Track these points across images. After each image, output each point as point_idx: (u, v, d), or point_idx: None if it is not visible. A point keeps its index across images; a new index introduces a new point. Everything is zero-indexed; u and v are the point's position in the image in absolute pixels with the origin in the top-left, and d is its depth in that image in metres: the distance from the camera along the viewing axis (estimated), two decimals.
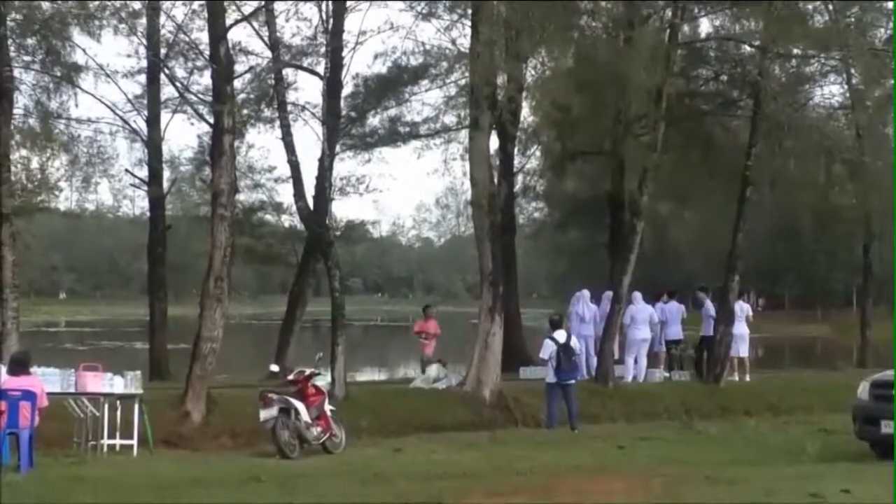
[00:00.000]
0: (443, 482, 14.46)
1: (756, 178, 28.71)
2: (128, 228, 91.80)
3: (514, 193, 37.36)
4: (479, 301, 26.43)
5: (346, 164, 35.08)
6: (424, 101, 34.79)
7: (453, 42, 30.80)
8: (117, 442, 18.83)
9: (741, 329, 28.79)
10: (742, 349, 29.11)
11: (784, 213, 46.82)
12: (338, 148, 29.52)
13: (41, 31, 25.41)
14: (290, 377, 19.98)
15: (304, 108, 29.89)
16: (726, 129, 33.77)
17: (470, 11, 26.21)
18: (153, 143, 31.26)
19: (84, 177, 30.97)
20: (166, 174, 33.70)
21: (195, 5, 26.85)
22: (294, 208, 30.11)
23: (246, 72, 26.84)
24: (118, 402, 18.89)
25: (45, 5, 25.17)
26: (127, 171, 33.49)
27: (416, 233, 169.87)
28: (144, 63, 30.64)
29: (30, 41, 26.34)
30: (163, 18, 28.22)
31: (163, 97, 31.24)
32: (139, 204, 51.35)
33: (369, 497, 13.03)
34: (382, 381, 35.83)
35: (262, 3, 26.03)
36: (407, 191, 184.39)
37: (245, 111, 28.33)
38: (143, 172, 32.54)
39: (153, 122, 31.25)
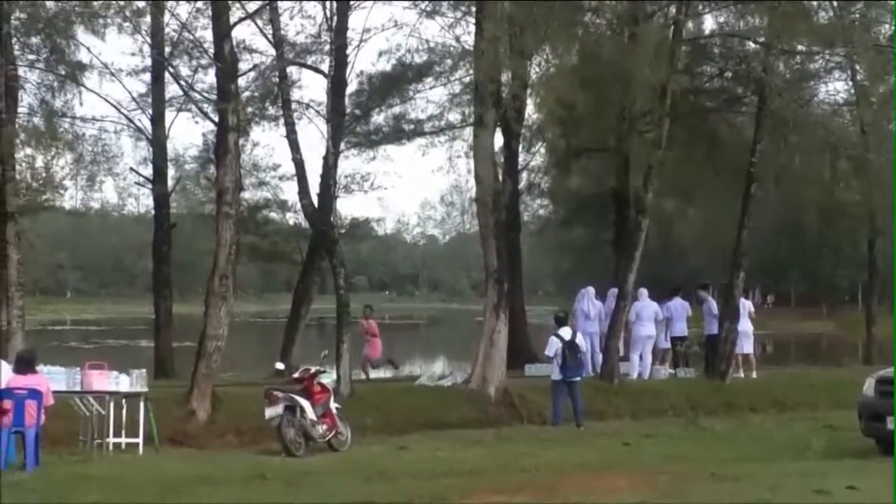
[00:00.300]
0: (448, 480, 14.47)
1: (761, 174, 28.69)
2: (133, 227, 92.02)
3: (519, 191, 37.33)
4: (484, 298, 26.43)
5: (350, 162, 35.02)
6: (429, 99, 34.87)
7: (457, 39, 30.77)
8: (123, 440, 18.87)
9: (745, 326, 28.80)
10: (746, 346, 29.12)
11: (789, 210, 46.77)
12: (342, 145, 29.48)
13: (45, 29, 25.43)
14: (296, 375, 19.99)
15: (308, 106, 29.88)
16: (731, 126, 33.74)
17: (474, 9, 26.20)
18: (158, 141, 31.30)
19: (89, 175, 31.02)
20: (171, 172, 33.78)
21: (199, 4, 26.80)
22: (299, 206, 30.15)
23: (250, 70, 26.82)
24: (124, 400, 18.93)
25: (50, 4, 25.16)
26: (132, 169, 33.59)
27: (421, 230, 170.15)
28: (149, 61, 30.69)
29: (34, 40, 26.37)
30: (167, 17, 28.28)
31: (167, 95, 31.30)
32: (144, 202, 51.54)
33: (374, 495, 13.03)
34: (388, 378, 35.81)
35: (266, 1, 26.03)
36: (412, 188, 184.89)
37: (249, 109, 28.32)
38: (148, 171, 32.62)
39: (158, 120, 31.29)
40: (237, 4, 24.06)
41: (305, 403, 18.98)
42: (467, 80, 29.77)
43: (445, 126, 34.90)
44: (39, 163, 27.06)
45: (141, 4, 26.91)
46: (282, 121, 28.79)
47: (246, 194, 30.99)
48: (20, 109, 25.21)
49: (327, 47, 27.90)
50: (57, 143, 27.17)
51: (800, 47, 29.50)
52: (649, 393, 26.58)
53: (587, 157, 36.68)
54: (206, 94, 27.79)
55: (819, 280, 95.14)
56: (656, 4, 29.45)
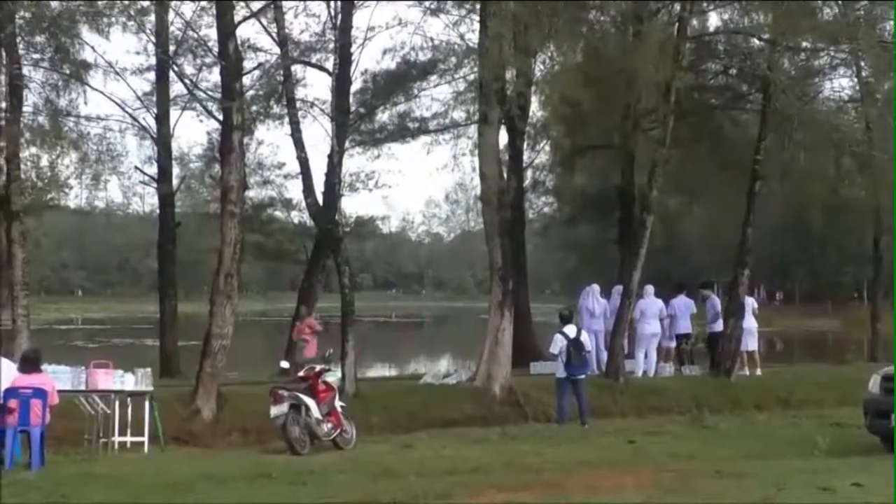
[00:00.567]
0: (453, 478, 14.48)
1: (766, 171, 28.67)
2: (138, 226, 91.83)
3: (524, 188, 37.33)
4: (489, 296, 26.43)
5: (355, 160, 35.08)
6: (433, 97, 34.90)
7: (462, 37, 30.89)
8: (128, 439, 18.88)
9: (749, 323, 28.78)
10: (750, 343, 29.11)
11: (794, 207, 46.77)
12: (347, 144, 29.52)
13: (50, 28, 25.42)
14: (301, 373, 20.02)
15: (312, 105, 29.89)
16: (736, 123, 33.71)
17: (478, 6, 26.21)
18: (162, 140, 31.31)
19: (93, 174, 30.95)
20: (176, 171, 33.82)
21: (203, 2, 26.81)
22: (303, 205, 30.19)
23: (255, 68, 26.86)
24: (129, 399, 18.95)
25: (54, 3, 25.21)
26: (136, 168, 33.58)
27: (426, 228, 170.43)
28: (153, 60, 30.68)
29: (39, 39, 26.35)
30: (171, 15, 28.23)
31: (172, 94, 31.31)
32: (149, 201, 51.29)
33: (379, 493, 13.02)
34: (393, 377, 35.84)
35: None
36: (416, 186, 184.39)
37: (254, 108, 28.36)
38: (153, 169, 32.63)
39: (162, 119, 31.30)
40: (241, 3, 24.10)
41: (310, 402, 18.99)
42: (472, 77, 29.82)
43: (450, 124, 35.03)
44: (44, 162, 27.15)
45: (145, 3, 27.05)
46: (286, 119, 28.81)
47: (251, 193, 31.03)
48: (25, 108, 25.23)
49: (332, 45, 27.95)
50: (62, 142, 27.18)
51: (804, 44, 29.44)
52: (654, 391, 26.55)
53: (592, 154, 36.63)
54: (210, 93, 27.80)
55: (824, 277, 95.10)
56: (661, 2, 29.43)
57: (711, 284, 31.13)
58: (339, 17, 27.59)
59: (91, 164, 30.14)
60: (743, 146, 30.41)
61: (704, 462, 15.90)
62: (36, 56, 26.86)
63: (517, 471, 15.57)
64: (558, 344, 23.03)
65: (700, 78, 32.23)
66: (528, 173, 39.64)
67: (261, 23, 26.58)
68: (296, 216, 36.70)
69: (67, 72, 27.65)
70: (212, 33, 25.53)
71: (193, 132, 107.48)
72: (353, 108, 29.87)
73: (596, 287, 28.69)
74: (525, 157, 36.96)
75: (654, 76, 25.73)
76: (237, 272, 22.20)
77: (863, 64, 31.26)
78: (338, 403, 19.77)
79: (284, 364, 22.22)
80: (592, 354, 25.96)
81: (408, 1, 31.23)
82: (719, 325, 28.78)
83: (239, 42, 23.42)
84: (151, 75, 31.41)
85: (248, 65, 25.03)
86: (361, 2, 29.30)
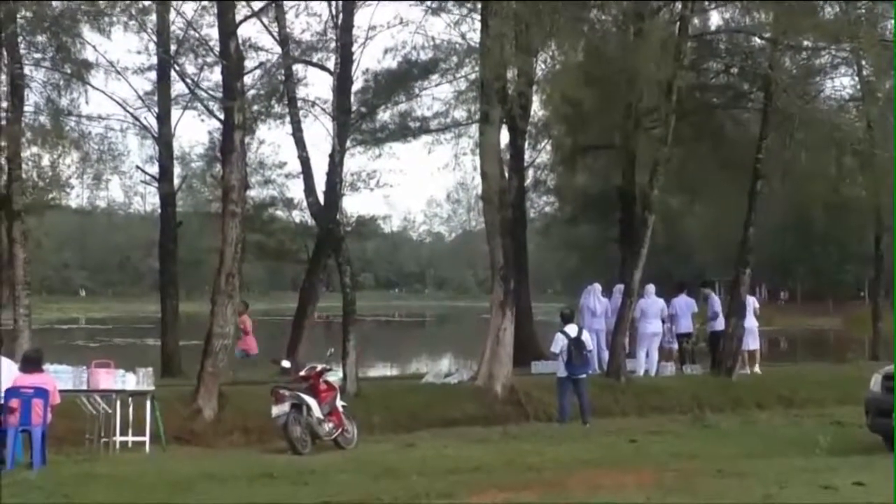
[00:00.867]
0: (455, 477, 14.48)
1: (767, 170, 28.68)
2: (139, 225, 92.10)
3: (525, 188, 37.31)
4: (491, 296, 26.43)
5: (356, 160, 35.05)
6: (434, 96, 34.84)
7: (463, 37, 30.78)
8: (129, 439, 18.87)
9: (750, 322, 28.80)
10: (751, 342, 29.13)
11: (795, 206, 46.72)
12: (348, 143, 29.48)
13: (51, 28, 25.42)
14: (302, 373, 20.01)
15: (314, 104, 29.86)
16: (737, 122, 33.71)
17: (480, 5, 26.19)
18: (164, 139, 31.29)
19: (95, 174, 30.96)
20: (177, 171, 33.76)
21: (205, 2, 26.85)
22: (305, 204, 30.16)
23: (256, 68, 26.86)
24: (130, 398, 18.94)
25: (56, 3, 25.19)
26: (138, 167, 33.61)
27: (427, 228, 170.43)
28: (155, 60, 30.67)
29: (40, 38, 26.35)
30: (173, 15, 28.25)
31: (173, 94, 31.27)
32: (150, 200, 51.59)
33: (381, 492, 13.02)
34: (394, 376, 35.84)
35: None
36: (418, 186, 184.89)
37: (255, 107, 28.33)
38: (154, 169, 32.64)
39: (164, 118, 31.28)
40: (243, 2, 24.12)
41: (312, 401, 18.99)
42: (473, 77, 29.78)
43: (451, 123, 34.97)
44: (46, 161, 27.17)
45: (147, 3, 27.04)
46: (288, 119, 28.78)
47: (252, 192, 30.99)
48: (26, 108, 25.21)
49: (333, 45, 27.92)
50: (63, 142, 27.18)
51: (806, 43, 29.47)
52: (655, 390, 26.55)
53: (593, 154, 36.63)
54: (211, 92, 27.78)
55: (825, 276, 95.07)
56: (662, 1, 29.43)
57: (712, 284, 31.10)
58: (341, 16, 27.57)
59: (92, 163, 30.13)
60: (744, 145, 30.42)
61: (706, 461, 15.90)
62: (37, 55, 26.87)
63: (519, 470, 15.57)
64: (559, 343, 23.03)
65: (701, 77, 32.23)
66: (530, 172, 39.63)
67: (262, 22, 26.58)
68: (297, 215, 36.65)
69: (69, 71, 27.65)
70: (213, 32, 25.58)
71: (195, 131, 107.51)
72: (354, 108, 29.84)
73: (597, 286, 28.70)
74: (526, 156, 36.95)
75: (656, 75, 25.73)
76: (238, 272, 22.20)
77: (864, 63, 31.28)
78: (339, 403, 19.77)
79: (286, 363, 22.20)
80: (594, 354, 25.95)
81: (409, 0, 31.15)
82: (720, 324, 28.81)
83: (240, 41, 23.43)
84: (153, 75, 31.40)
85: (249, 64, 25.05)
86: (363, 1, 29.29)
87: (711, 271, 58.38)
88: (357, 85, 30.27)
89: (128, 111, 30.84)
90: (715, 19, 34.21)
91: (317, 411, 19.00)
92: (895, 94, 30.62)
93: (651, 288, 28.17)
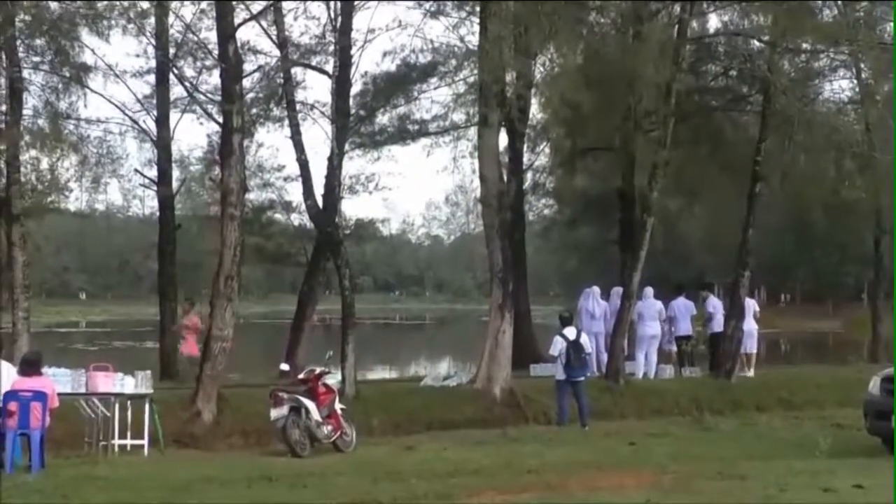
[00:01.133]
0: (454, 479, 14.47)
1: (766, 173, 28.70)
2: (138, 228, 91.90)
3: (524, 190, 37.34)
4: (489, 298, 26.42)
5: (355, 163, 35.07)
6: (433, 99, 34.77)
7: (462, 39, 30.86)
8: (128, 442, 18.86)
9: (749, 325, 28.81)
10: (750, 345, 29.14)
11: (794, 208, 46.67)
12: (347, 146, 29.48)
13: (50, 31, 25.38)
14: (301, 376, 20.02)
15: (312, 107, 29.83)
16: (736, 125, 33.69)
17: (478, 8, 26.20)
18: (162, 142, 31.27)
19: (94, 177, 30.93)
20: (176, 174, 33.75)
21: (203, 5, 26.83)
22: (303, 207, 30.10)
23: (255, 71, 26.87)
24: (129, 402, 18.93)
25: (54, 6, 25.15)
26: (136, 171, 33.53)
27: (426, 231, 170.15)
28: (153, 63, 30.64)
29: (39, 42, 26.31)
30: (171, 18, 28.23)
31: (172, 97, 31.24)
32: (149, 204, 51.56)
33: (380, 495, 13.02)
34: (393, 379, 35.82)
35: (271, 2, 26.02)
36: (416, 189, 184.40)
37: (254, 110, 28.33)
38: (153, 172, 32.56)
39: (162, 121, 31.25)
40: (241, 5, 24.07)
41: (310, 404, 19.00)
42: (472, 80, 29.76)
43: (450, 126, 34.96)
44: (44, 165, 27.13)
45: (145, 6, 26.96)
46: (286, 122, 28.75)
47: (251, 195, 30.98)
48: (25, 111, 25.21)
49: (332, 48, 27.93)
50: (62, 145, 27.14)
51: (804, 46, 29.46)
52: (655, 392, 26.56)
53: (592, 156, 36.60)
54: (210, 96, 27.79)
55: (825, 278, 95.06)
56: (661, 3, 29.41)
57: (711, 286, 31.08)
58: (339, 19, 27.58)
59: (91, 166, 30.11)
60: (743, 148, 30.42)
61: (705, 463, 15.88)
62: (36, 59, 26.83)
63: (518, 472, 15.55)
64: (558, 346, 23.03)
65: (700, 79, 32.21)
66: (529, 175, 39.66)
67: (261, 25, 26.57)
68: (296, 219, 36.62)
69: (67, 74, 27.61)
70: (212, 36, 25.54)
71: (193, 135, 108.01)
72: (353, 111, 29.82)
73: (596, 289, 28.70)
74: (525, 159, 36.98)
75: (655, 78, 25.73)
76: (237, 275, 22.20)
77: (863, 65, 31.25)
78: (338, 406, 19.78)
79: (284, 366, 22.19)
80: (592, 356, 25.95)
81: (408, 3, 31.19)
82: (720, 326, 28.81)
83: (239, 44, 23.42)
84: (151, 78, 31.37)
85: (247, 67, 25.06)
86: (361, 2, 29.29)
87: (711, 274, 58.31)
88: (356, 88, 30.29)
89: (126, 114, 30.84)
90: (714, 22, 34.30)
91: (315, 414, 19.01)
92: (895, 97, 30.58)
93: (649, 290, 28.17)
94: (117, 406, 18.76)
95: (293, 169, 31.52)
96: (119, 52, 30.36)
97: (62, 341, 55.65)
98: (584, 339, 23.64)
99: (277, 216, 37.02)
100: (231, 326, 21.82)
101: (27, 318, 23.08)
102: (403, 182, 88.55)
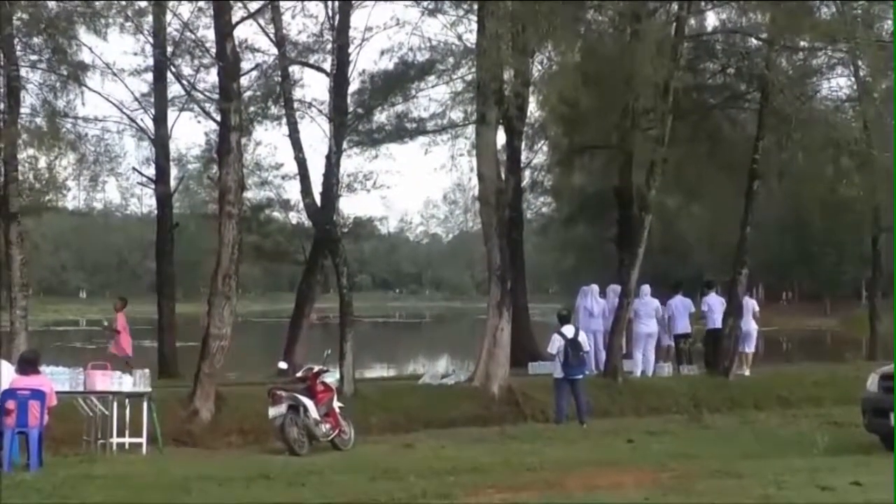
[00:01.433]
0: (452, 478, 14.45)
1: (764, 171, 28.72)
2: (136, 227, 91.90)
3: (522, 188, 37.31)
4: (488, 296, 26.43)
5: (353, 161, 35.14)
6: (431, 97, 34.83)
7: (459, 38, 30.86)
8: (126, 440, 18.85)
9: (748, 325, 28.82)
10: (748, 345, 29.13)
11: (792, 206, 46.74)
12: (345, 144, 29.51)
13: (47, 29, 25.36)
14: (299, 374, 20.02)
15: (310, 105, 29.88)
16: (734, 123, 33.74)
17: (476, 6, 26.20)
18: (160, 141, 31.31)
19: (91, 175, 30.91)
20: (174, 172, 33.81)
21: (201, 3, 26.84)
22: (301, 205, 30.17)
23: (252, 69, 26.87)
24: (127, 400, 18.92)
25: (51, 4, 25.13)
26: (134, 169, 33.56)
27: (424, 229, 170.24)
28: (151, 61, 30.69)
29: (36, 40, 26.29)
30: (169, 16, 28.27)
31: (169, 95, 31.31)
32: (147, 202, 51.42)
33: (379, 493, 13.00)
34: (391, 377, 35.82)
35: (268, 0, 26.03)
36: (414, 187, 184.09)
37: (252, 108, 28.37)
38: (151, 171, 32.62)
39: (160, 120, 31.29)
40: (239, 4, 24.10)
41: (309, 403, 18.99)
42: (469, 78, 29.82)
43: (448, 124, 34.98)
44: (42, 163, 27.12)
45: (143, 4, 27.01)
46: (284, 120, 28.81)
47: (249, 194, 31.00)
48: (22, 110, 25.17)
49: (329, 46, 27.94)
50: (59, 144, 27.12)
51: (802, 43, 29.49)
52: (653, 390, 26.57)
53: (590, 154, 36.63)
54: (208, 94, 27.83)
55: (822, 276, 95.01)
56: (658, 2, 29.42)
57: (713, 284, 31.07)
58: (337, 17, 27.60)
59: (89, 165, 30.11)
60: (741, 145, 30.46)
61: (703, 461, 15.87)
62: (33, 57, 26.81)
63: (516, 470, 15.54)
64: (556, 344, 23.03)
65: (698, 77, 32.25)
66: (527, 173, 39.63)
67: (258, 23, 26.58)
68: (294, 217, 36.71)
69: (65, 73, 27.60)
70: (209, 34, 25.55)
71: (191, 133, 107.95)
72: (350, 109, 29.84)
73: (594, 287, 28.67)
74: (523, 157, 36.92)
75: (652, 76, 25.72)
76: (235, 273, 22.19)
77: (860, 63, 31.23)
78: (336, 404, 19.77)
79: (283, 364, 22.20)
80: (591, 354, 25.93)
81: (406, 1, 31.16)
82: (716, 323, 28.80)
83: (236, 43, 23.41)
84: (149, 76, 31.41)
85: (245, 65, 25.11)
86: (359, 1, 29.28)
87: (708, 272, 58.30)
88: (354, 86, 30.33)
89: (124, 113, 30.89)
90: (711, 20, 34.31)
91: (314, 412, 19.00)
92: (894, 95, 30.58)
93: (646, 288, 28.17)
94: (115, 404, 18.76)
95: (291, 167, 31.61)
96: (117, 50, 30.40)
97: (60, 339, 55.60)
98: (583, 337, 23.63)
99: (275, 214, 37.12)
100: (229, 325, 21.82)
101: (25, 316, 23.04)
102: (401, 180, 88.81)
